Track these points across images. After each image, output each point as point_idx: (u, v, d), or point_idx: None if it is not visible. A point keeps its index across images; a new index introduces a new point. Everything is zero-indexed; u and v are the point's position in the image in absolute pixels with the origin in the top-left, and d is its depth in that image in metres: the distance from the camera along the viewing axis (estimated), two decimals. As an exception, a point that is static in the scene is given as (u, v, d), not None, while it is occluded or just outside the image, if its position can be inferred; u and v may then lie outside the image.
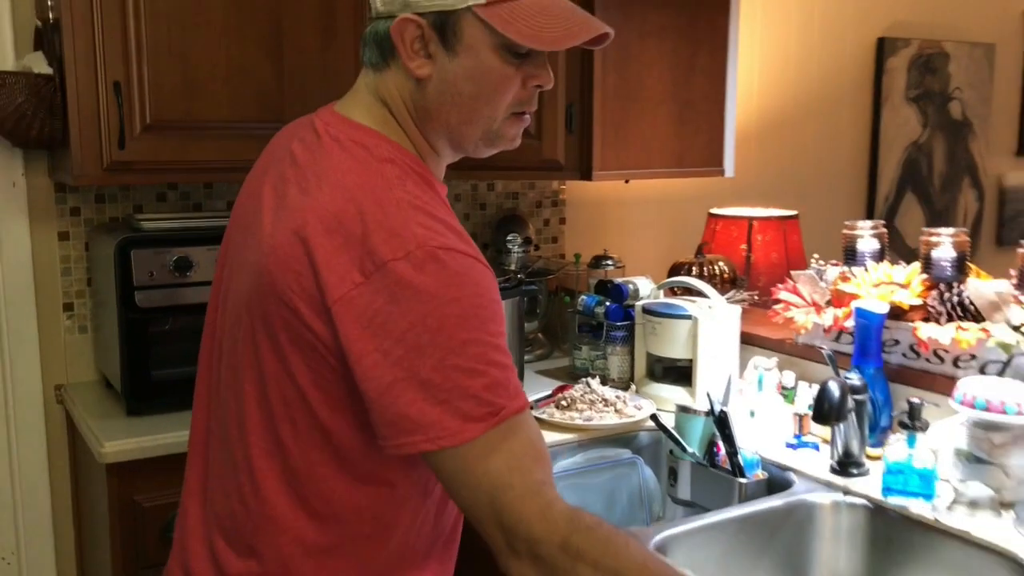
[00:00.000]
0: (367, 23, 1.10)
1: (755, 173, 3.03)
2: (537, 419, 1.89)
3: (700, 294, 2.08)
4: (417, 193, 1.04)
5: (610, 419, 1.89)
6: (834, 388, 1.52)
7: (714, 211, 2.64)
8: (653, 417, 1.81)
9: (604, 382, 2.06)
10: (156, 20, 1.83)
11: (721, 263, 2.29)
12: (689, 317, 1.96)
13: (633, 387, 2.03)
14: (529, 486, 0.97)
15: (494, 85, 1.07)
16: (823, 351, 1.71)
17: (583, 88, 2.03)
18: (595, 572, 0.95)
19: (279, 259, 1.02)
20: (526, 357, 2.32)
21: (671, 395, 1.98)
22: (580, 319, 2.23)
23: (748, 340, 2.05)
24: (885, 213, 3.49)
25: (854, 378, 1.62)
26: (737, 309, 2.01)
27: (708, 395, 1.73)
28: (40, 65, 1.89)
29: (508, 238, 2.44)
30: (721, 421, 1.70)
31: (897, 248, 3.45)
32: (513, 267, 2.44)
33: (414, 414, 0.97)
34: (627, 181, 2.24)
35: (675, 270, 2.29)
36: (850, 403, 1.57)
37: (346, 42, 2.04)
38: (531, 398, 1.98)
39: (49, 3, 1.89)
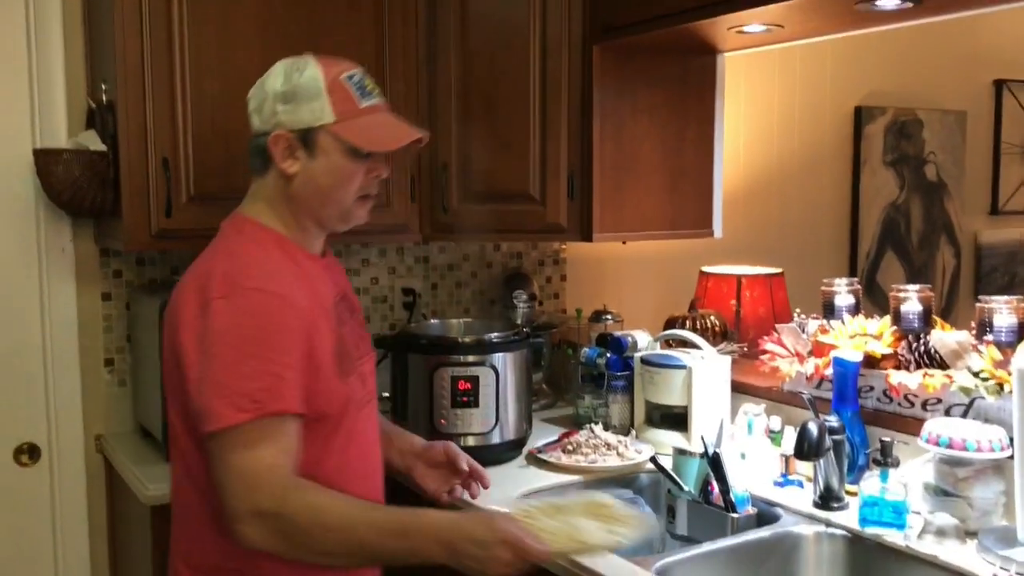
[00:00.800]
0: (250, 139, 1.49)
1: (743, 233, 3.24)
2: (545, 461, 2.07)
3: (694, 346, 2.26)
4: (261, 257, 1.43)
5: (612, 461, 2.06)
6: (812, 428, 1.70)
7: (705, 269, 2.84)
8: (652, 459, 1.98)
9: (606, 428, 2.24)
10: (201, 102, 2.04)
11: (712, 317, 2.48)
12: (684, 367, 2.14)
13: (633, 432, 2.20)
14: (266, 466, 1.32)
15: (344, 178, 1.47)
16: (803, 396, 1.89)
17: (583, 159, 2.23)
18: (310, 511, 1.32)
19: (173, 301, 1.47)
20: (533, 406, 2.49)
21: (668, 439, 2.15)
22: (583, 370, 2.41)
23: (738, 388, 2.23)
24: (867, 270, 3.69)
25: (832, 420, 1.80)
26: (728, 359, 2.20)
27: (702, 438, 1.90)
28: (94, 142, 2.09)
29: (514, 294, 2.63)
30: (715, 462, 1.86)
31: (878, 302, 3.65)
32: (519, 321, 2.62)
33: (205, 404, 1.33)
34: (624, 242, 2.43)
35: (670, 324, 2.48)
36: (828, 442, 1.75)
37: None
38: (538, 443, 2.15)
39: (103, 87, 2.10)
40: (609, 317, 2.58)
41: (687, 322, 2.46)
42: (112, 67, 2.00)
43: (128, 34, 1.98)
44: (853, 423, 1.88)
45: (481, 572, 1.34)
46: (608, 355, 2.34)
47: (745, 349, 2.44)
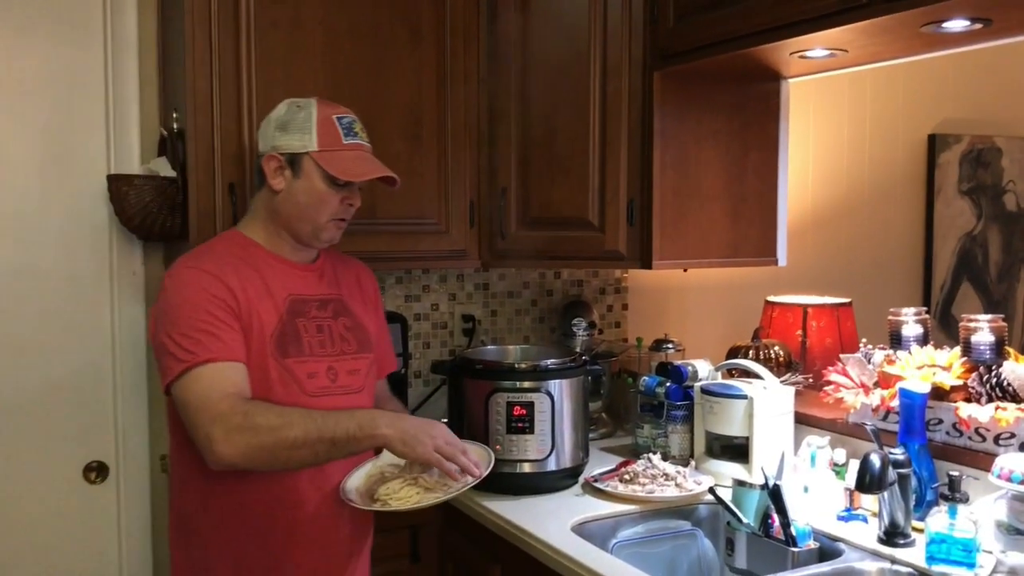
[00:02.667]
0: (255, 160, 1.80)
1: (810, 262, 3.18)
2: (601, 491, 2.04)
3: (756, 376, 2.21)
4: (216, 248, 1.74)
5: (671, 492, 2.02)
6: (875, 460, 1.64)
7: (771, 298, 2.79)
8: (711, 491, 1.94)
9: (665, 458, 2.20)
10: (267, 130, 2.09)
11: (777, 347, 2.42)
12: (745, 397, 2.10)
13: (693, 463, 2.16)
14: (218, 394, 1.56)
15: (319, 200, 1.73)
16: (867, 427, 1.83)
17: (643, 184, 2.22)
18: (269, 410, 1.60)
19: None
20: (591, 435, 2.47)
21: (728, 471, 2.11)
22: (642, 399, 2.38)
23: (802, 419, 2.17)
24: (941, 302, 3.58)
25: (898, 453, 1.74)
26: (791, 390, 2.14)
27: (763, 470, 1.85)
28: (165, 169, 2.16)
29: (573, 322, 2.62)
30: (775, 494, 1.82)
31: (953, 335, 3.52)
32: (578, 349, 2.60)
33: (160, 365, 1.63)
34: (685, 270, 2.40)
35: (732, 353, 2.44)
36: (892, 475, 1.69)
37: (430, 146, 2.29)
38: (595, 472, 2.12)
39: (174, 115, 2.17)
40: (670, 346, 2.54)
41: (750, 352, 2.41)
42: (183, 97, 2.06)
43: (198, 67, 2.04)
44: (920, 457, 1.81)
45: (413, 445, 1.62)
46: (668, 384, 2.30)
47: (810, 380, 2.38)
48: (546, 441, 2.03)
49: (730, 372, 2.32)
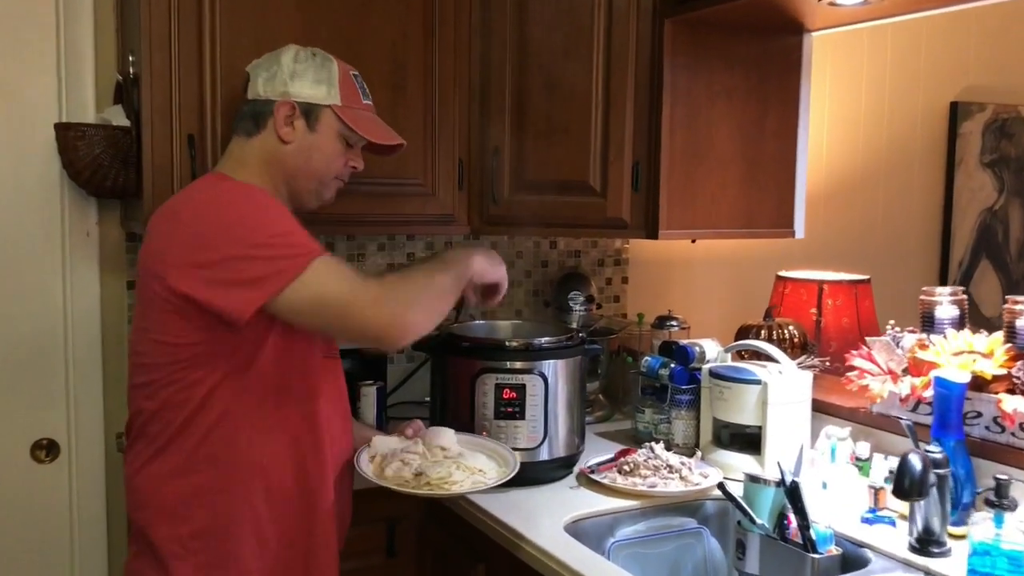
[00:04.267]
0: (244, 104, 1.61)
1: (824, 235, 2.97)
2: (598, 483, 1.84)
3: (770, 359, 2.01)
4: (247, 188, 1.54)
5: (675, 486, 1.83)
6: (916, 461, 1.45)
7: (783, 274, 2.58)
8: (720, 486, 1.74)
9: (668, 447, 2.00)
10: (231, 77, 1.86)
11: (791, 327, 2.22)
12: (759, 382, 1.90)
13: (699, 453, 1.96)
14: (361, 277, 1.50)
15: (331, 156, 1.62)
16: (902, 422, 1.63)
17: (650, 146, 2.01)
18: (392, 277, 1.60)
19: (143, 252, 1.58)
20: (587, 419, 2.27)
21: (739, 463, 1.91)
22: (643, 381, 2.18)
23: (819, 408, 1.97)
24: (959, 279, 3.38)
25: (935, 451, 1.54)
26: (808, 375, 1.95)
27: (779, 464, 1.66)
28: (118, 118, 1.93)
29: (570, 296, 2.41)
30: (793, 492, 1.62)
31: (972, 316, 3.33)
32: (574, 325, 2.40)
33: (256, 274, 1.43)
34: (694, 241, 2.20)
35: (743, 333, 2.23)
36: (931, 478, 1.49)
37: (415, 98, 2.06)
38: (591, 461, 1.93)
39: (130, 59, 1.95)
40: (675, 324, 2.34)
41: (762, 332, 2.21)
42: (139, 38, 1.84)
43: (155, 4, 1.81)
44: (956, 454, 1.61)
45: (496, 264, 1.67)
46: (672, 366, 2.10)
47: (827, 364, 2.18)
48: (538, 428, 1.83)
49: (740, 354, 2.12)
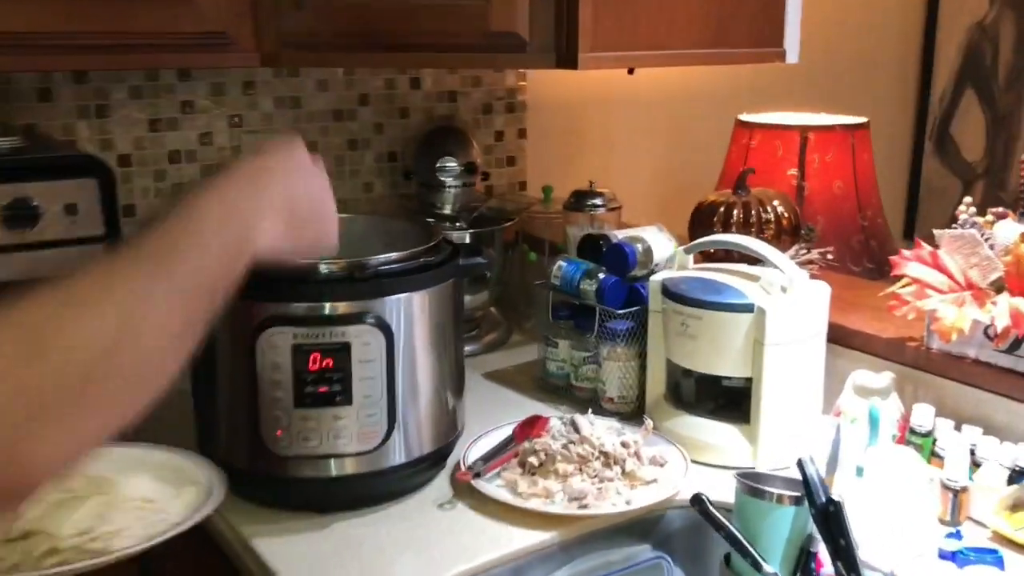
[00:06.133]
0: None
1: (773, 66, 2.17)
2: (487, 497, 1.08)
3: (752, 260, 1.25)
4: None
5: (617, 497, 1.08)
6: None
7: (746, 118, 1.80)
8: (699, 504, 1.00)
9: (595, 403, 1.25)
10: None
11: (777, 203, 1.45)
12: (750, 308, 1.14)
13: (648, 423, 1.21)
14: None
15: None
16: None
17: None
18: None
19: None
20: (468, 347, 1.49)
21: (714, 438, 1.18)
22: (555, 297, 1.40)
23: (837, 338, 1.23)
24: (940, 117, 2.67)
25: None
26: (825, 291, 1.19)
27: (803, 466, 0.93)
28: None
29: (440, 163, 1.58)
30: (831, 517, 0.91)
31: (952, 165, 2.66)
32: (447, 209, 1.59)
33: None
34: (631, 71, 1.37)
35: (703, 217, 1.45)
36: None
37: None
38: (473, 451, 1.16)
39: None
40: (599, 203, 1.53)
41: (734, 211, 1.43)
42: None
43: None
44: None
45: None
46: (601, 276, 1.32)
47: (829, 257, 1.43)
48: (378, 415, 1.03)
49: (706, 254, 1.35)
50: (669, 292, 1.21)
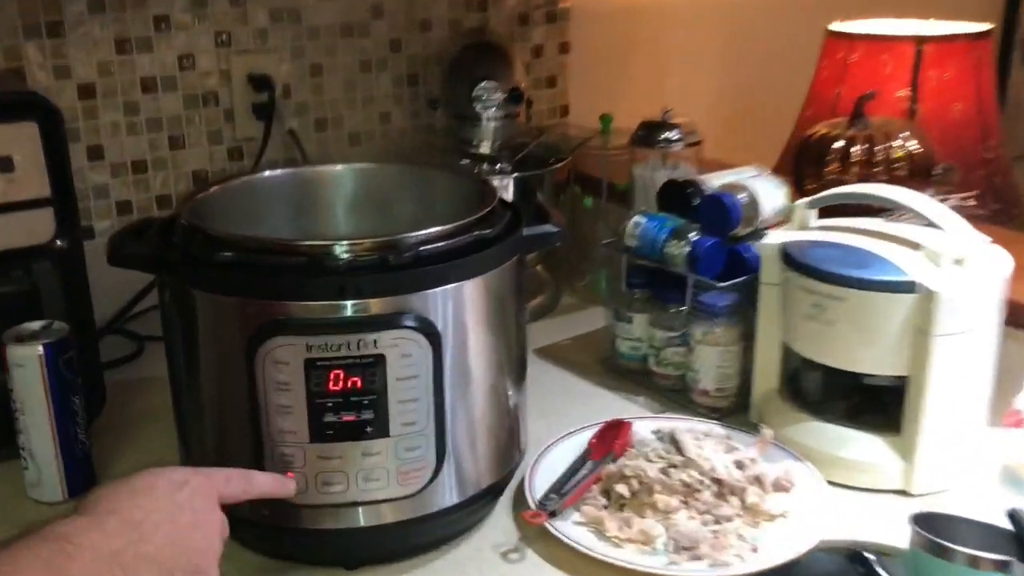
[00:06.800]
0: None
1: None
2: (561, 543, 0.81)
3: (876, 210, 0.96)
4: None
5: (737, 541, 0.81)
6: None
7: (840, 27, 1.48)
8: (860, 562, 0.74)
9: (679, 393, 0.98)
10: None
11: (906, 135, 1.15)
12: (910, 287, 0.85)
13: (766, 431, 0.94)
14: None
15: None
16: None
17: None
18: None
19: None
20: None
21: (850, 448, 0.91)
22: (630, 260, 1.11)
23: (1013, 319, 0.95)
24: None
25: None
26: (1008, 262, 0.90)
27: (1018, 516, 0.67)
28: None
29: (478, 89, 1.27)
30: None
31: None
32: (484, 147, 1.29)
33: None
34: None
35: (812, 152, 1.16)
36: None
37: None
38: (540, 478, 0.89)
39: None
40: (675, 136, 1.23)
41: (853, 148, 1.13)
42: None
43: None
44: None
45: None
46: (692, 235, 1.03)
47: (971, 201, 1.13)
48: (423, 449, 0.75)
49: (836, 210, 1.06)
50: (795, 261, 0.92)
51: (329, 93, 1.42)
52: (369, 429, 0.73)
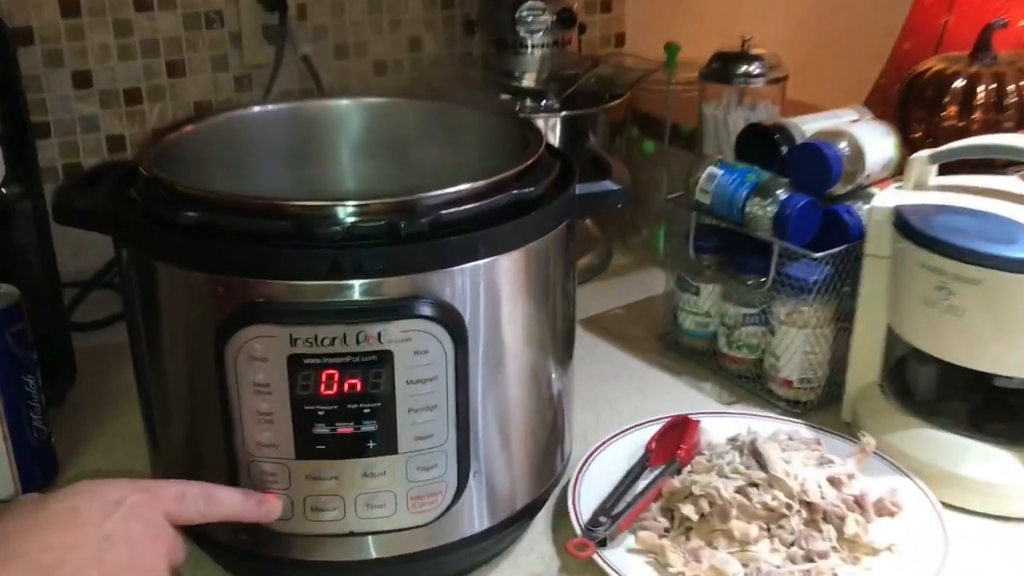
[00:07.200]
0: None
1: None
2: (607, 573, 0.65)
3: (1001, 164, 0.77)
4: None
5: (839, 588, 0.64)
6: None
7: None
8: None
9: (754, 381, 0.81)
10: None
11: (1041, 75, 0.94)
12: (1070, 271, 0.66)
13: (868, 440, 0.76)
14: None
15: None
16: None
17: None
18: None
19: None
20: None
21: (976, 465, 0.73)
22: (700, 220, 0.92)
23: None
24: None
25: None
26: None
27: None
28: None
29: (522, 13, 1.08)
30: None
31: None
32: (528, 79, 1.10)
33: None
34: None
35: (923, 92, 0.95)
36: None
37: None
38: (587, 490, 0.73)
39: None
40: (756, 70, 1.03)
41: (979, 86, 0.93)
42: None
43: None
44: None
45: None
46: (780, 193, 0.84)
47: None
48: (440, 467, 0.59)
49: (964, 164, 0.86)
50: (913, 230, 0.74)
51: (351, 15, 1.24)
52: (371, 444, 0.57)
